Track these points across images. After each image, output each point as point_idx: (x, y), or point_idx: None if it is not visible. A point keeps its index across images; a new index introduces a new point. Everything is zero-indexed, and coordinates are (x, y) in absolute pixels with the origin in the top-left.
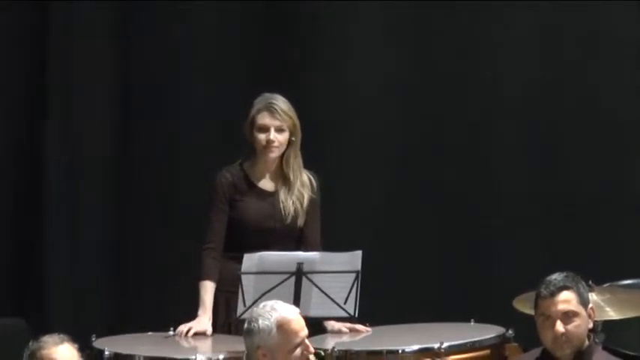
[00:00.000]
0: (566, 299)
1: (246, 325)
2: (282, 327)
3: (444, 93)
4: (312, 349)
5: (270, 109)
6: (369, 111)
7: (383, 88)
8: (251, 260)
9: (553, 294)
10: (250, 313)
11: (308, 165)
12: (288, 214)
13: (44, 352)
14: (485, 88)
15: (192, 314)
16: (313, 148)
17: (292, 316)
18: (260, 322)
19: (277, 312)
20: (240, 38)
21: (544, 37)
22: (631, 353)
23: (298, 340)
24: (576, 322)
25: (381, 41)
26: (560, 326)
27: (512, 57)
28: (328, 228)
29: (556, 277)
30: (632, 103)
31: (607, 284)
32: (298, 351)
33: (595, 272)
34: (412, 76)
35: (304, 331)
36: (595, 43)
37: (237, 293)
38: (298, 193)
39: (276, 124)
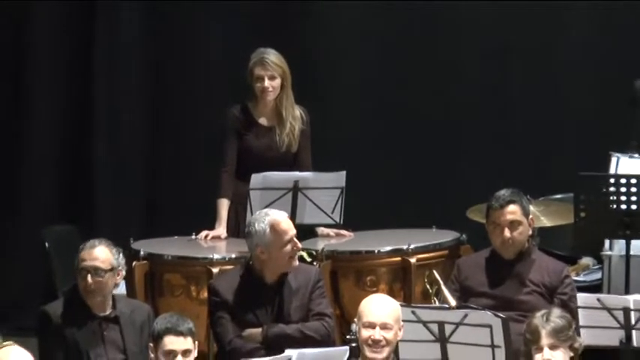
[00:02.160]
0: (513, 211)
1: (246, 229)
2: (274, 227)
3: (419, 40)
4: (299, 246)
5: (262, 62)
6: (356, 57)
7: (365, 36)
8: (257, 179)
9: (502, 206)
10: (249, 220)
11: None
12: (283, 144)
13: (84, 252)
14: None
15: (210, 224)
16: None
17: (282, 218)
18: (256, 225)
19: (270, 216)
20: None
21: None
22: (560, 253)
23: (288, 237)
24: (520, 229)
25: None
26: (507, 233)
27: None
28: (320, 152)
29: (504, 192)
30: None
31: (542, 198)
32: (289, 247)
33: (532, 188)
34: (390, 26)
35: (292, 231)
36: None
37: (245, 205)
38: (290, 126)
39: (268, 74)
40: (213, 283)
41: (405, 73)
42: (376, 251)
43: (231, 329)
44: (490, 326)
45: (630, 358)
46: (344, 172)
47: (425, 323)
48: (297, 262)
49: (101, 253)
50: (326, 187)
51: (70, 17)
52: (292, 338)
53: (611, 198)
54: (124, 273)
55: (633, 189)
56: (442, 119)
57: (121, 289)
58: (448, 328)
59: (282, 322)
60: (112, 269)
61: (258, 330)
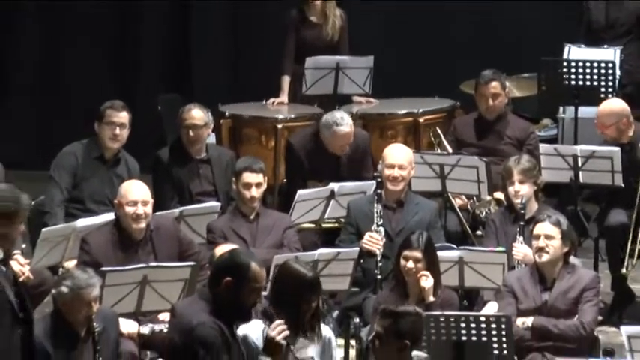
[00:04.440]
0: (494, 85)
1: (321, 122)
2: (336, 135)
3: None
4: (348, 148)
5: None
6: None
7: None
8: (310, 61)
9: (487, 82)
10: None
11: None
12: (328, 35)
13: (185, 114)
14: None
15: (276, 93)
16: None
17: (343, 132)
18: (325, 125)
19: (335, 127)
20: None
21: None
22: (527, 115)
23: (343, 143)
24: (499, 99)
25: None
26: (490, 101)
27: None
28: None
29: (488, 72)
30: None
31: (514, 75)
32: (343, 147)
33: (508, 67)
34: None
35: (349, 139)
36: None
37: (301, 80)
38: (333, 22)
39: None
40: (291, 142)
41: None
42: (395, 113)
43: (299, 178)
44: (477, 167)
45: (577, 190)
46: (372, 57)
47: (430, 165)
48: (347, 149)
49: (197, 114)
50: (359, 67)
51: None
52: None
53: (564, 76)
54: (212, 126)
55: (580, 70)
56: (442, 17)
57: (212, 139)
58: (447, 169)
59: (339, 180)
60: (205, 124)
61: (320, 189)
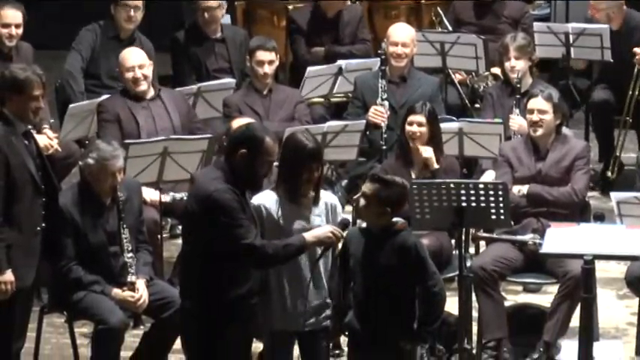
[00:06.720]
0: None
1: None
2: None
3: None
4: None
5: None
6: None
7: None
8: None
9: None
10: None
11: None
12: None
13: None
14: None
15: None
16: None
17: None
18: None
19: None
20: None
21: None
22: None
23: None
24: None
25: None
26: None
27: None
28: None
29: None
30: None
31: None
32: None
33: None
34: None
35: None
36: None
37: None
38: None
39: None
40: (292, 15)
41: None
42: None
43: (304, 47)
44: (475, 44)
45: (566, 67)
46: None
47: (431, 42)
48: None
49: None
50: None
51: None
52: (343, 54)
53: None
54: (225, 7)
55: None
56: None
57: (227, 20)
58: (447, 46)
59: (338, 45)
60: (219, 6)
61: (321, 49)
